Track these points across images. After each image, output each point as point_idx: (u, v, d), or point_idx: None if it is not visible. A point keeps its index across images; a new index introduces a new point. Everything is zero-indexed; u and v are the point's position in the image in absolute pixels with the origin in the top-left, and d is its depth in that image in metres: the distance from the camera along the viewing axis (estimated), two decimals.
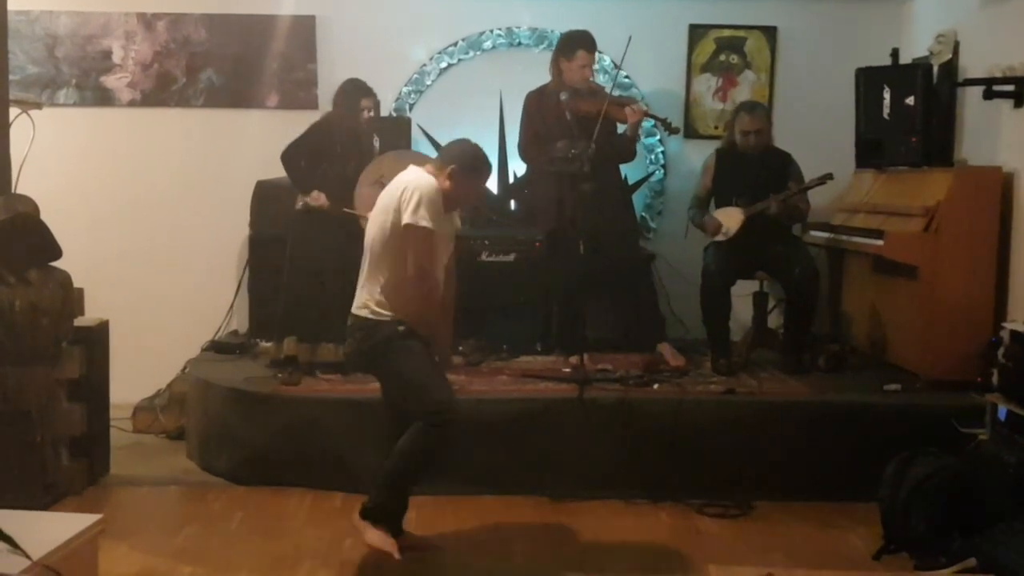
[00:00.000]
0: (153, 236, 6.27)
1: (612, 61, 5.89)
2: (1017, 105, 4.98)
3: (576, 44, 5.39)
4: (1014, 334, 4.30)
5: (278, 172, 5.24)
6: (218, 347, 5.73)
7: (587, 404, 4.70)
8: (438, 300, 3.88)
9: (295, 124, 5.30)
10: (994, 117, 5.19)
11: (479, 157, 3.95)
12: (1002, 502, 3.73)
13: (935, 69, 5.55)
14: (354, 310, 3.88)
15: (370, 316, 3.81)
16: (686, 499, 4.58)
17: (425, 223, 3.69)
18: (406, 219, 3.70)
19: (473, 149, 3.96)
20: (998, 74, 5.03)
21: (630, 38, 5.26)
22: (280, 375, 5.04)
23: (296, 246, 5.16)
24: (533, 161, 5.57)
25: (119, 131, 6.27)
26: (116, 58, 6.25)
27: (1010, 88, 4.97)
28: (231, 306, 6.15)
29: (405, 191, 3.75)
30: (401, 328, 3.77)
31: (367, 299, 3.83)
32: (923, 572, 3.76)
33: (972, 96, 5.38)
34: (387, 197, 3.85)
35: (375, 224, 3.85)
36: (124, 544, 4.02)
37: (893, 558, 3.98)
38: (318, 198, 5.06)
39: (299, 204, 5.17)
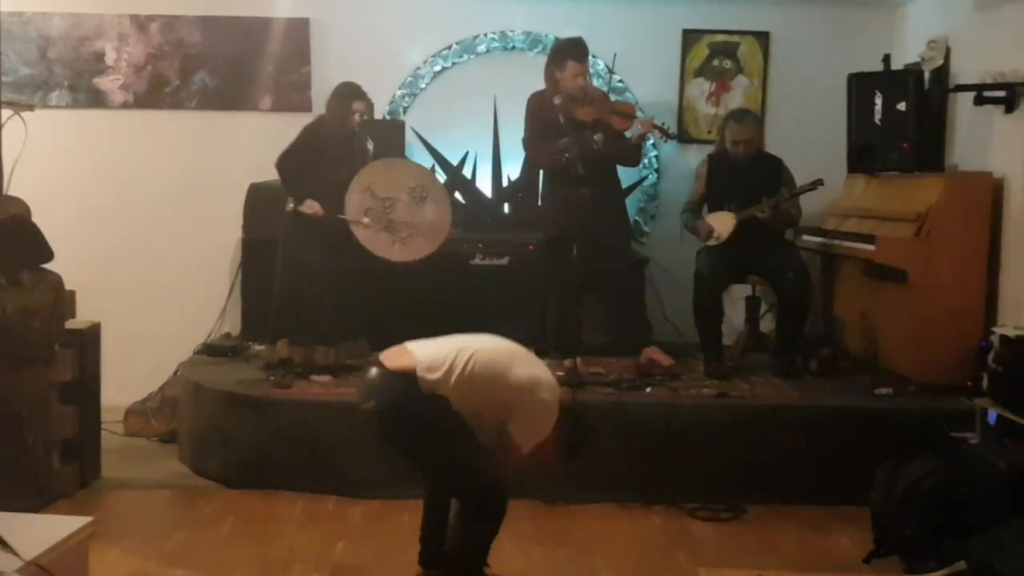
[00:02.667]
0: (145, 238, 6.26)
1: (606, 65, 5.90)
2: (1008, 111, 5.00)
3: (566, 54, 5.41)
4: (1004, 339, 4.31)
5: (271, 175, 5.23)
6: (210, 350, 5.72)
7: (580, 407, 4.70)
8: None
9: (288, 127, 5.30)
10: (985, 123, 5.22)
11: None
12: (992, 505, 3.73)
13: (927, 75, 5.57)
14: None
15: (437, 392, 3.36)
16: (678, 502, 4.59)
17: None
18: None
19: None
20: (989, 80, 5.05)
21: (615, 56, 5.43)
22: (272, 378, 5.03)
23: (289, 249, 5.16)
24: (538, 157, 5.57)
25: (112, 133, 6.27)
26: (109, 60, 6.24)
27: (1001, 94, 5.00)
28: (223, 309, 6.14)
29: None
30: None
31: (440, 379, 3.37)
32: None
33: (963, 102, 5.40)
34: None
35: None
36: (115, 547, 4.00)
37: (884, 561, 3.98)
38: (311, 206, 5.06)
39: (289, 206, 5.16)
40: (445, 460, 3.42)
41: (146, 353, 5.91)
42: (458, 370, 3.36)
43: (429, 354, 3.42)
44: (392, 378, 3.39)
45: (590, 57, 5.53)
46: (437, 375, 3.35)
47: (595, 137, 5.32)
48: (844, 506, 4.48)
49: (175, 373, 5.63)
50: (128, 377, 5.61)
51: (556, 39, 5.98)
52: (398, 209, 5.09)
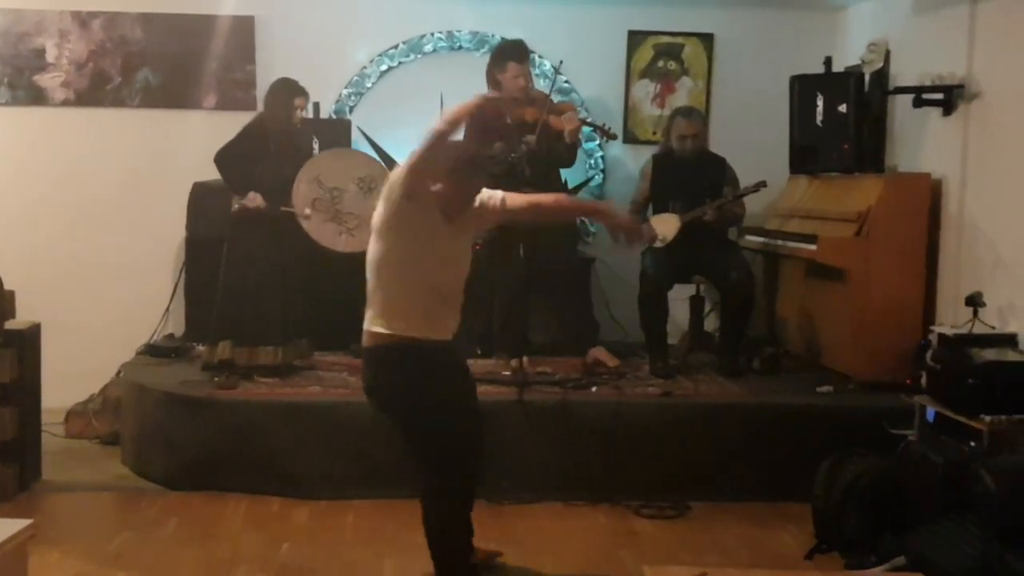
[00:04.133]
0: (87, 237, 6.17)
1: (552, 66, 5.92)
2: (946, 113, 5.10)
3: (506, 56, 5.43)
4: (942, 337, 4.40)
5: (215, 174, 5.19)
6: (153, 350, 5.66)
7: (527, 407, 4.72)
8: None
9: (233, 125, 5.25)
10: (923, 124, 5.32)
11: (472, 153, 3.68)
12: (930, 501, 3.81)
13: (867, 77, 5.65)
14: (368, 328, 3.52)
15: (383, 332, 3.46)
16: (624, 500, 4.63)
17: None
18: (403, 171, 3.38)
19: (464, 147, 3.76)
20: (927, 82, 5.15)
21: (561, 61, 5.45)
22: (216, 379, 4.99)
23: (233, 249, 5.12)
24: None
25: (52, 131, 6.16)
26: (50, 56, 6.14)
27: (939, 96, 5.10)
28: (167, 309, 6.07)
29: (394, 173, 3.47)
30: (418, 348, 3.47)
31: (374, 316, 3.50)
32: (854, 571, 3.84)
33: (902, 104, 5.49)
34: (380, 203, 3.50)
35: (373, 238, 3.52)
36: (56, 551, 3.95)
37: (825, 557, 4.05)
38: (254, 199, 5.03)
39: (235, 206, 5.13)
40: (411, 429, 3.61)
41: (88, 354, 5.81)
42: (389, 291, 3.48)
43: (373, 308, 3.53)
44: (368, 355, 3.55)
45: (536, 58, 5.55)
46: (388, 318, 3.47)
47: (525, 139, 5.31)
48: (787, 503, 4.55)
49: (117, 374, 5.56)
50: (69, 378, 5.52)
51: (502, 39, 5.99)
52: (346, 200, 5.08)
